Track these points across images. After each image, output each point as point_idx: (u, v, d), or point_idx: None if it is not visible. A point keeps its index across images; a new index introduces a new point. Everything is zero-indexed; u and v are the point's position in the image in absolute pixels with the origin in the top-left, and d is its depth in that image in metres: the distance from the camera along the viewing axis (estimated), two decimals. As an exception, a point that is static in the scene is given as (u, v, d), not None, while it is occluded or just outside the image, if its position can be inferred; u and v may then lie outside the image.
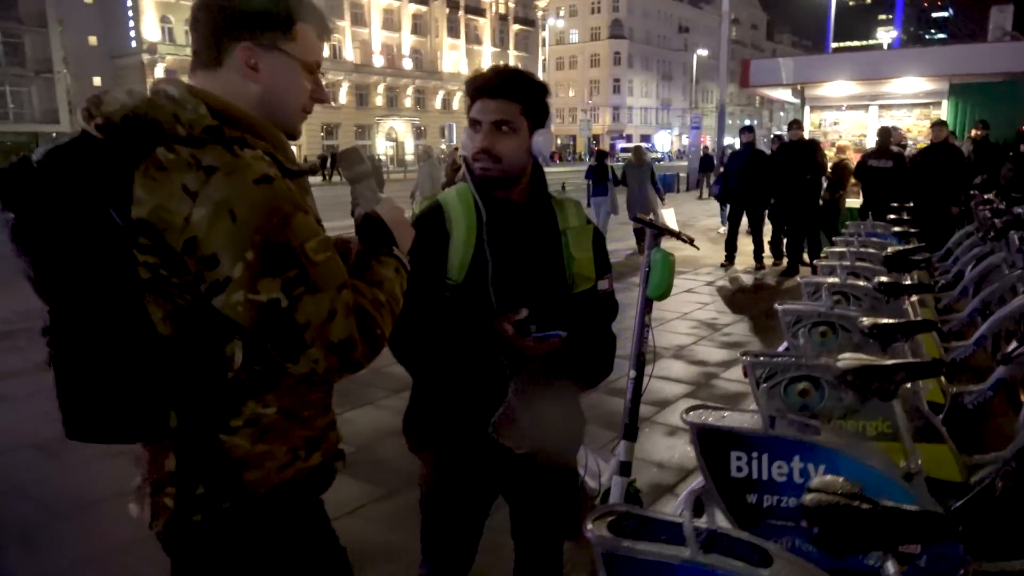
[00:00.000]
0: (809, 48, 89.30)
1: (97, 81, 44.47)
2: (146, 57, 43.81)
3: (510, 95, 1.64)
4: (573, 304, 1.76)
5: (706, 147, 20.13)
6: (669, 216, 12.42)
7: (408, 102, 58.88)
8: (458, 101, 62.33)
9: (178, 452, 1.17)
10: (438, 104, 61.08)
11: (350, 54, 53.41)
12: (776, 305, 3.54)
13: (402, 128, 58.79)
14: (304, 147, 49.23)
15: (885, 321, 3.04)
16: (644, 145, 14.48)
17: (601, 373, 1.88)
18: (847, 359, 2.50)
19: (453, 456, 1.77)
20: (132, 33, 44.12)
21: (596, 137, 70.55)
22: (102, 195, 1.06)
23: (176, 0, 44.75)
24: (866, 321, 3.06)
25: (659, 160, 51.62)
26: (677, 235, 3.06)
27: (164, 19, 44.96)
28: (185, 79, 1.24)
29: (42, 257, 1.10)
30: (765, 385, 2.67)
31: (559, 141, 74.56)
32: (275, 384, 1.20)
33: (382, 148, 53.53)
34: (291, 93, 1.29)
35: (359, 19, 54.18)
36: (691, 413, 2.11)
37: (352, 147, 1.45)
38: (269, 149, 1.19)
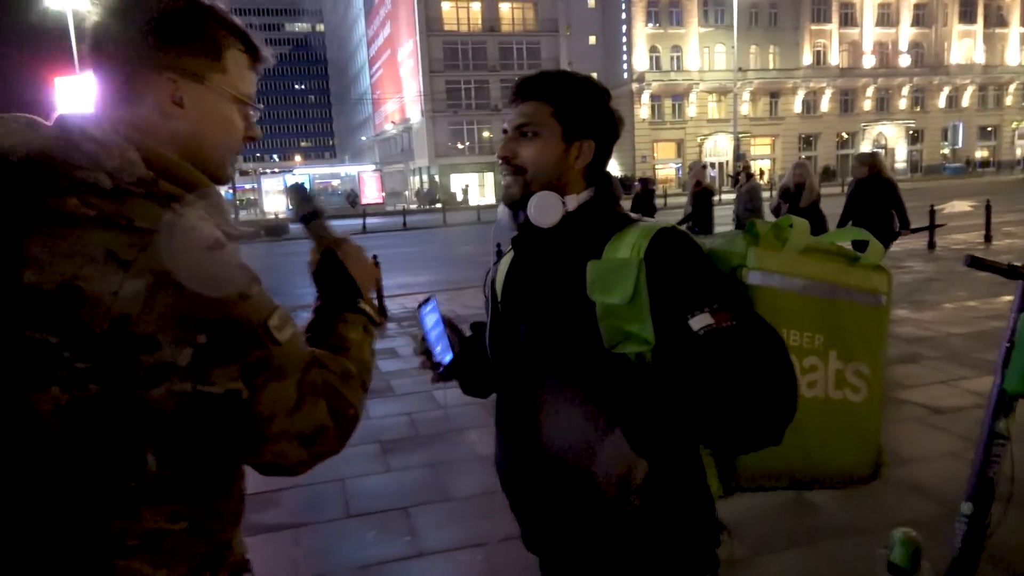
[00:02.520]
0: None
1: (595, 111, 51.60)
2: (635, 86, 48.16)
3: (539, 95, 1.37)
4: (616, 370, 1.26)
5: None
6: None
7: (903, 103, 52.57)
8: (968, 97, 53.22)
9: None
10: (941, 103, 53.15)
11: (835, 58, 50.06)
12: None
13: (892, 133, 52.74)
14: (779, 159, 48.00)
15: None
16: None
17: (741, 427, 1.18)
18: None
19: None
20: (625, 65, 48.91)
21: None
22: None
23: (664, 31, 48.26)
24: None
25: None
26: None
27: (652, 49, 48.82)
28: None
29: None
30: None
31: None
32: (186, 493, 0.97)
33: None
34: (222, 133, 1.07)
35: (849, 19, 50.53)
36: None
37: (295, 184, 1.33)
38: (208, 207, 1.00)
